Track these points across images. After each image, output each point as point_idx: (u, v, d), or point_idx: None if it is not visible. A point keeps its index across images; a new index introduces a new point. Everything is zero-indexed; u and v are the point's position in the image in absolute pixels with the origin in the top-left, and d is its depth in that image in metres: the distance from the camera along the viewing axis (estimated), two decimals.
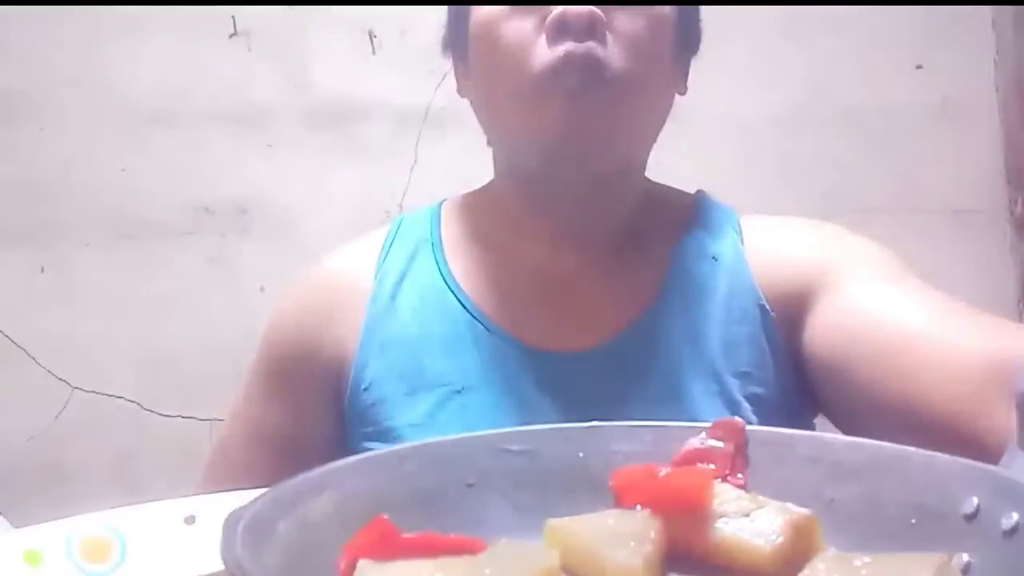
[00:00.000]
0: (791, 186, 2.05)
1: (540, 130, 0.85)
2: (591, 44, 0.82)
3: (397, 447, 0.51)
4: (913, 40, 2.09)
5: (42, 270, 2.02)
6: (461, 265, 0.95)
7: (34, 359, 2.00)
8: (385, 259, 0.97)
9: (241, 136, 2.05)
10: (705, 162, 1.99)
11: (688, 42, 0.94)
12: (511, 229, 0.94)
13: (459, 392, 0.88)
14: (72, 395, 2.01)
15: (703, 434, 0.51)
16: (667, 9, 0.89)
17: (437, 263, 0.95)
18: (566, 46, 0.82)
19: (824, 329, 0.84)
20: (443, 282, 0.94)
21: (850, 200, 2.05)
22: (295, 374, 0.96)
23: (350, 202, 2.00)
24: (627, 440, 0.52)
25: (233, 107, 2.05)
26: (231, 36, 2.05)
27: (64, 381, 2.01)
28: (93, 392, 2.01)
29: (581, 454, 0.52)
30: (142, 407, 2.00)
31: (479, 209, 0.99)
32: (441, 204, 1.03)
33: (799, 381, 0.88)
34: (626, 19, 0.86)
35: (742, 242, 0.94)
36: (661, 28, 0.89)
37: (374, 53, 2.01)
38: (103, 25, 2.02)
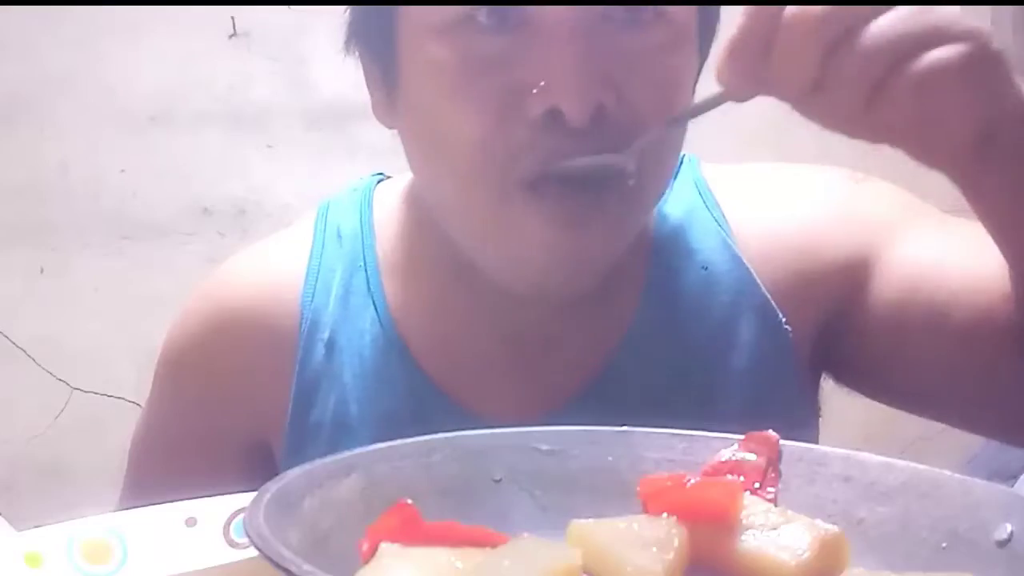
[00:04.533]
0: None
1: (508, 260, 0.65)
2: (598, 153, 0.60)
3: (427, 437, 0.51)
4: None
5: (42, 270, 2.02)
6: (404, 308, 0.74)
7: (34, 359, 2.00)
8: (313, 293, 0.75)
9: (240, 136, 2.05)
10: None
11: (710, 40, 0.69)
12: (456, 270, 0.72)
13: None
14: (72, 395, 2.01)
15: (735, 446, 0.51)
16: (691, 15, 0.65)
17: (375, 306, 0.74)
18: (556, 155, 0.60)
19: (874, 314, 0.71)
20: (385, 338, 0.73)
21: None
22: (199, 449, 0.78)
23: None
24: (658, 447, 0.52)
25: (233, 107, 2.05)
26: (231, 36, 2.05)
27: (64, 381, 2.01)
28: (93, 392, 2.01)
29: (611, 458, 0.51)
30: (142, 407, 2.00)
31: (418, 225, 0.75)
32: (373, 192, 0.80)
33: (814, 389, 0.77)
34: (644, 74, 0.62)
35: (731, 236, 0.74)
36: (687, 54, 0.66)
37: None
38: (102, 25, 2.01)
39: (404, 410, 0.72)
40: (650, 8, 0.62)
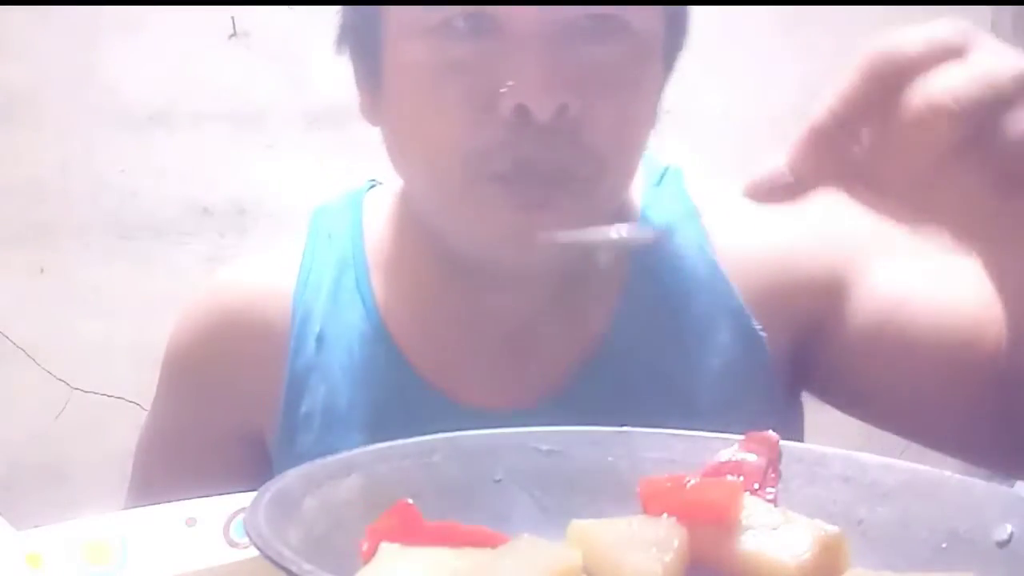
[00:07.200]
0: None
1: (482, 242, 0.69)
2: (558, 151, 0.64)
3: (427, 437, 0.51)
4: None
5: (42, 270, 2.03)
6: (391, 304, 0.77)
7: (34, 359, 2.00)
8: (304, 290, 0.79)
9: (241, 136, 2.05)
10: (705, 162, 1.99)
11: (676, 53, 0.73)
12: (440, 265, 0.76)
13: None
14: (72, 395, 2.01)
15: (735, 446, 0.51)
16: (657, 30, 0.68)
17: (364, 302, 0.77)
18: (524, 150, 0.64)
19: (848, 336, 0.72)
20: (372, 332, 0.76)
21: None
22: (200, 446, 0.82)
23: None
24: (658, 448, 0.52)
25: (233, 107, 2.05)
26: (231, 36, 2.05)
27: (64, 381, 2.01)
28: (93, 392, 2.01)
29: (610, 458, 0.52)
30: (142, 407, 2.00)
31: (405, 225, 0.79)
32: (364, 196, 0.84)
33: (793, 395, 0.78)
34: (606, 81, 0.65)
35: (711, 245, 0.76)
36: (649, 65, 0.69)
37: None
38: (103, 25, 2.02)
39: (391, 400, 0.75)
40: (616, 19, 0.65)
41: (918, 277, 0.71)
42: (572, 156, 0.65)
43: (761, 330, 0.74)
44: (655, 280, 0.75)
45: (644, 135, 0.70)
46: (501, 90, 0.63)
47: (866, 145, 0.46)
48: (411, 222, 0.77)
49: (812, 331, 0.75)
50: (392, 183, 0.81)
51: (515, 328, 0.75)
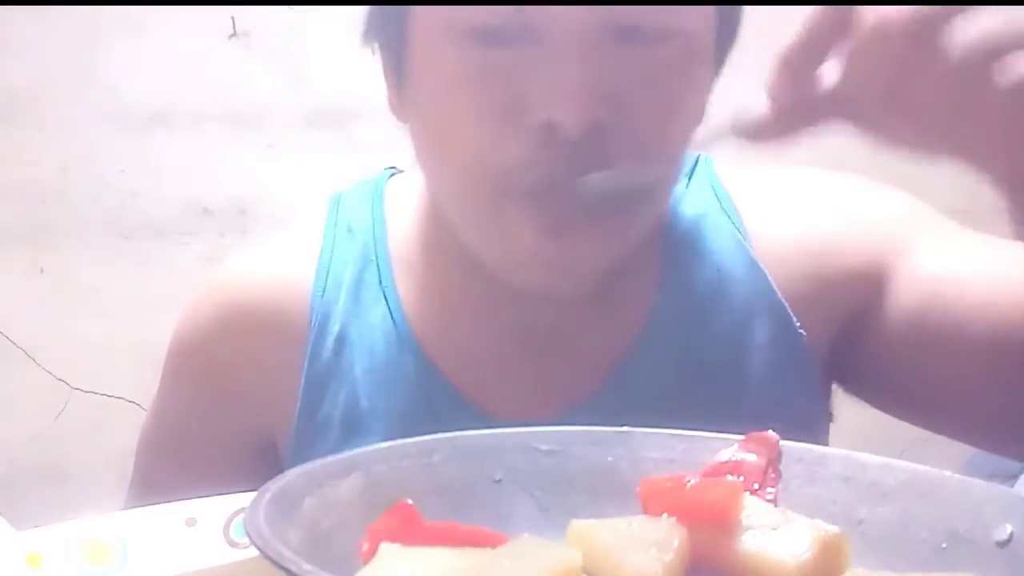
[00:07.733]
0: None
1: (506, 265, 0.65)
2: (593, 168, 0.59)
3: (427, 437, 0.51)
4: None
5: (42, 270, 2.02)
6: (416, 304, 0.73)
7: (34, 359, 2.00)
8: (324, 285, 0.74)
9: (241, 136, 2.05)
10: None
11: (728, 50, 0.69)
12: (468, 266, 0.70)
13: None
14: (72, 395, 2.01)
15: (735, 446, 0.51)
16: (709, 27, 0.64)
17: (387, 301, 0.73)
18: (553, 168, 0.59)
19: (891, 323, 0.70)
20: (396, 334, 0.72)
21: None
22: (205, 445, 0.78)
23: None
24: (658, 448, 0.52)
25: (233, 107, 2.05)
26: (231, 36, 2.05)
27: (64, 381, 2.01)
28: (93, 392, 2.01)
29: (610, 458, 0.51)
30: (142, 407, 2.00)
31: (431, 221, 0.74)
32: (384, 186, 0.79)
33: (825, 391, 0.76)
34: (647, 92, 0.60)
35: (747, 238, 0.73)
36: (698, 68, 0.64)
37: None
38: (103, 25, 2.02)
39: (415, 406, 0.71)
40: (661, 23, 0.61)
41: (960, 257, 0.70)
42: (606, 172, 0.60)
43: (800, 327, 0.71)
44: (689, 279, 0.72)
45: (686, 144, 0.66)
46: (531, 103, 0.59)
47: (836, 71, 0.49)
48: (437, 218, 0.72)
49: (853, 321, 0.72)
50: (414, 172, 0.76)
51: (548, 334, 0.72)
